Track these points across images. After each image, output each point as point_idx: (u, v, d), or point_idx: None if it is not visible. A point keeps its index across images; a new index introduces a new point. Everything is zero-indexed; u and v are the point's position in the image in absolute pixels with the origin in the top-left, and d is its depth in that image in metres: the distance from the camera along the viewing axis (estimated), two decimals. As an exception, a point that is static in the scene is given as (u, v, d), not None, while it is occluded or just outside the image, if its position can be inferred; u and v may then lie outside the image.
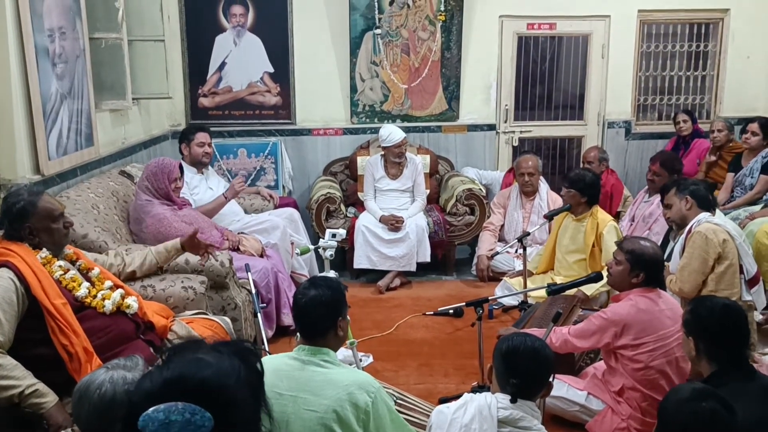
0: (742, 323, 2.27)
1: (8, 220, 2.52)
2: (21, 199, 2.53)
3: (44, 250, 2.55)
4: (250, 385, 1.11)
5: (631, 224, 4.67)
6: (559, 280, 4.20)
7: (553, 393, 2.85)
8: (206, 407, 1.02)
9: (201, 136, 4.61)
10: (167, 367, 1.08)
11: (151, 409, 1.01)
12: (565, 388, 3.00)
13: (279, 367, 2.14)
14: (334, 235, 3.77)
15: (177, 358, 1.09)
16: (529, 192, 5.21)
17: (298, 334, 2.82)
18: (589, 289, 3.97)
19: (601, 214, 4.28)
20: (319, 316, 2.18)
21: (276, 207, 5.04)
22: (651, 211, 4.57)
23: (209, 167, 4.80)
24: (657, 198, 4.57)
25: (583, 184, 4.25)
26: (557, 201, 5.14)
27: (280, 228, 4.46)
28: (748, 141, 5.03)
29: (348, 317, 2.33)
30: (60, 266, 2.57)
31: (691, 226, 3.42)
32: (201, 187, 4.57)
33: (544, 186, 5.28)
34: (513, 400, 2.09)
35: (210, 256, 3.29)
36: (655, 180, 4.64)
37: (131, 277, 3.13)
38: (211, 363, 1.08)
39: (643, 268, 2.88)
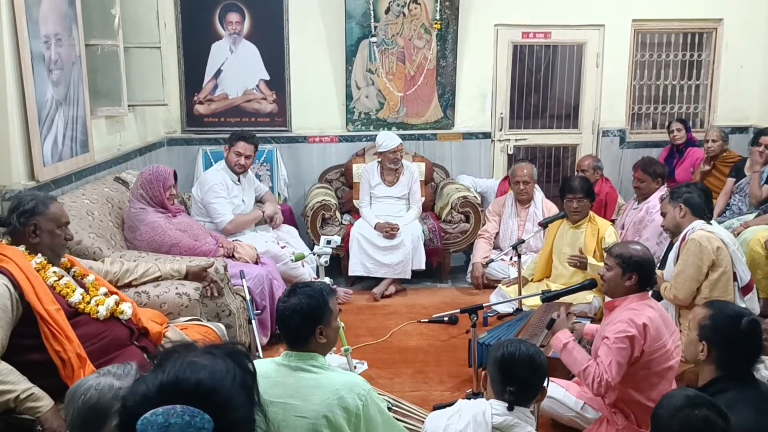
0: (761, 336, 2.24)
1: (17, 214, 2.54)
2: (35, 197, 2.61)
3: (39, 255, 2.55)
4: (245, 385, 1.11)
5: (622, 231, 4.69)
6: (555, 288, 4.19)
7: (550, 395, 2.84)
8: (204, 409, 1.02)
9: (240, 146, 4.53)
10: (162, 371, 1.07)
11: (149, 412, 1.01)
12: (562, 393, 2.99)
13: (268, 373, 2.11)
14: (329, 242, 3.77)
15: (171, 362, 1.09)
16: (524, 200, 5.22)
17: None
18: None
19: (599, 220, 4.30)
20: (296, 325, 2.15)
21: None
22: (640, 217, 4.61)
23: (246, 176, 4.72)
24: (646, 204, 4.60)
25: (590, 189, 4.34)
26: (552, 209, 5.15)
27: (284, 260, 4.44)
28: (763, 154, 4.85)
29: (338, 322, 2.29)
30: (54, 272, 2.56)
31: (685, 234, 3.43)
32: (238, 198, 4.59)
33: (539, 194, 5.29)
34: (510, 408, 2.08)
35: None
36: (641, 186, 4.70)
37: (128, 285, 3.13)
38: (206, 365, 1.08)
39: (635, 269, 2.86)
